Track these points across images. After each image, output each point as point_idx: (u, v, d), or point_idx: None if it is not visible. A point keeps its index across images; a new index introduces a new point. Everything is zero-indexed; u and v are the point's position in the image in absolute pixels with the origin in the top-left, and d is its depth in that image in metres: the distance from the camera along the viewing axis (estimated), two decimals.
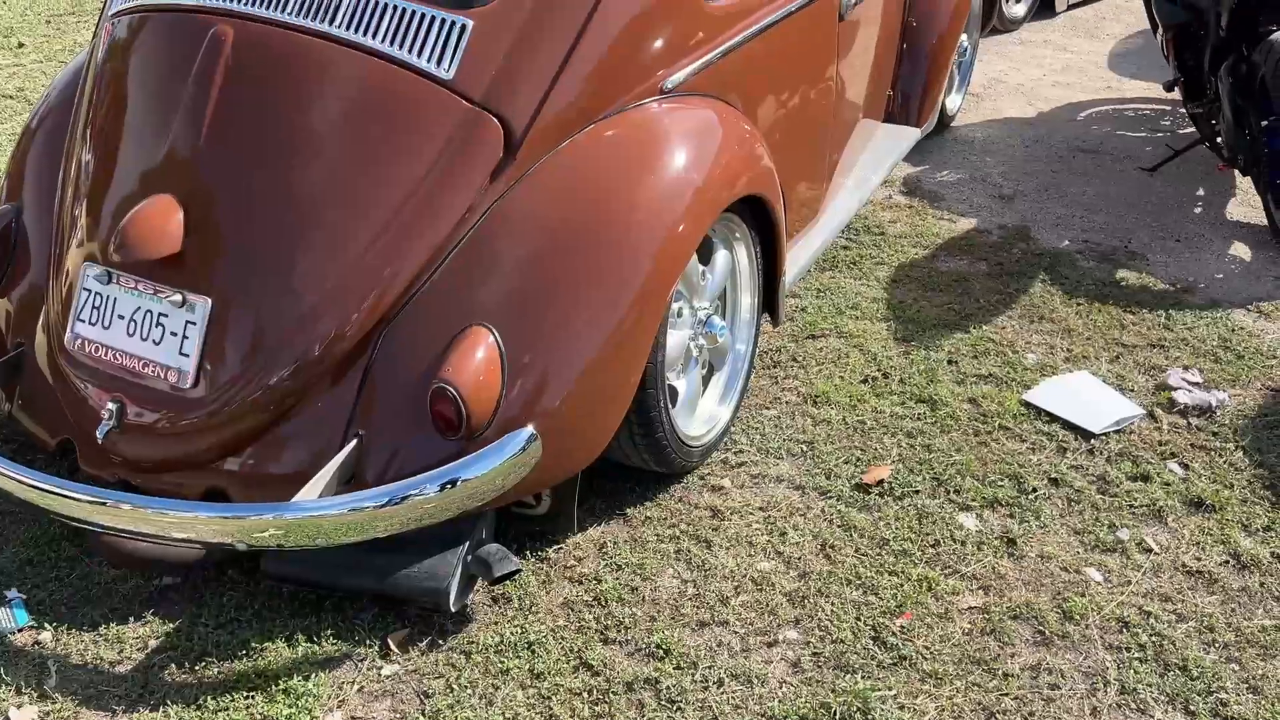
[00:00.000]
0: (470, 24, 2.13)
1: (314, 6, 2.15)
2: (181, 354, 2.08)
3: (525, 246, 2.13)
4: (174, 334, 2.09)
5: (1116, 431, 2.69)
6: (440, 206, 2.11)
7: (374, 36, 2.12)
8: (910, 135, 3.99)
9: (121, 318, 2.14)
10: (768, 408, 2.79)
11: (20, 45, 5.43)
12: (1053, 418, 2.74)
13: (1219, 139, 3.84)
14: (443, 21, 2.13)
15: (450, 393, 1.97)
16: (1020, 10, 6.11)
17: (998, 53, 5.66)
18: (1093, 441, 2.66)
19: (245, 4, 2.17)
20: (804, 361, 2.98)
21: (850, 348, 3.03)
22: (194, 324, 2.08)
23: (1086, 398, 2.78)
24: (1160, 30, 4.11)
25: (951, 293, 3.33)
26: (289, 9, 2.15)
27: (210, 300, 2.07)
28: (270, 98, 2.12)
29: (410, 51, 2.11)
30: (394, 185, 2.09)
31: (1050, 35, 6.00)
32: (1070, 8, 6.43)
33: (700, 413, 2.57)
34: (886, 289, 3.34)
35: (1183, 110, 4.75)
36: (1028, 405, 2.79)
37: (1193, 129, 4.16)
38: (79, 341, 2.17)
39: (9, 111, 4.58)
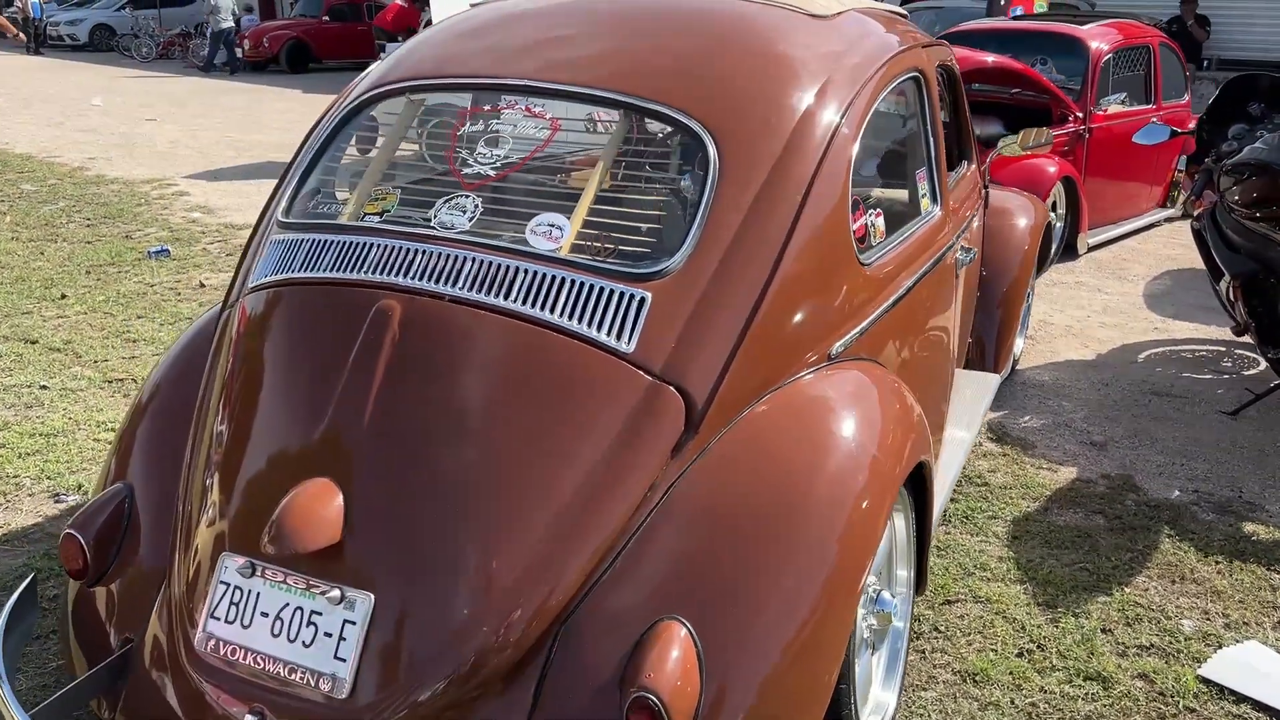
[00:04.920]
0: (649, 297, 2.05)
1: (488, 281, 2.06)
2: (338, 658, 1.84)
3: (710, 531, 1.95)
4: (328, 634, 1.86)
5: None
6: (621, 487, 1.95)
7: (551, 311, 2.03)
8: (992, 381, 3.95)
9: (265, 615, 1.91)
10: (924, 688, 2.55)
11: (63, 297, 5.38)
12: (1240, 697, 2.52)
13: None
14: (621, 295, 2.05)
15: (651, 701, 1.74)
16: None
17: (1036, 294, 5.77)
18: None
19: (412, 278, 2.09)
20: (947, 632, 2.76)
21: (992, 614, 2.83)
22: (353, 623, 1.85)
23: (1271, 673, 2.57)
24: (1225, 278, 4.19)
25: (1078, 550, 3.16)
26: (460, 284, 2.06)
27: (373, 596, 1.86)
28: (441, 374, 2.00)
29: (590, 325, 2.02)
30: (574, 465, 1.94)
31: (1081, 277, 6.16)
32: (1090, 250, 6.66)
33: (870, 701, 2.34)
34: (1009, 546, 3.18)
35: (1240, 351, 4.81)
36: (1207, 682, 2.57)
37: (1264, 368, 4.17)
38: (212, 642, 1.93)
39: (57, 365, 4.44)
